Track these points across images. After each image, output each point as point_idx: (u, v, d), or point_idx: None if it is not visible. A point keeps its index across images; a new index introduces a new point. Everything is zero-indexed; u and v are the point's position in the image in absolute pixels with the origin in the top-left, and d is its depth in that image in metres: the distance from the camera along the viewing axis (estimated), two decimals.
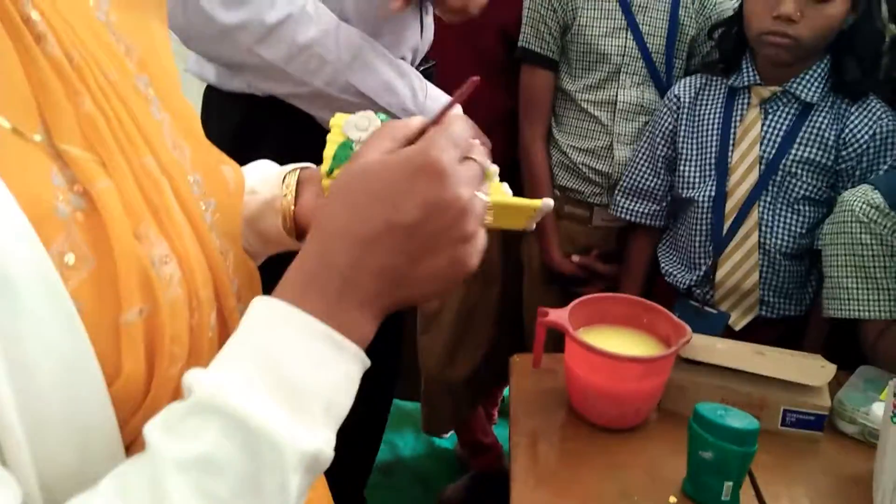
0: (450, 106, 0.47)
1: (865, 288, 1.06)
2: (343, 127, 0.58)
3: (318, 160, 0.60)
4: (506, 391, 2.01)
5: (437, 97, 1.09)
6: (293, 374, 0.39)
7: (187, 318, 0.42)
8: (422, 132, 0.46)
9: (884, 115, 1.16)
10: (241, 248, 0.54)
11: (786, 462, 0.93)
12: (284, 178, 0.64)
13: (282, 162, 0.70)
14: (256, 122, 1.02)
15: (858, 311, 1.07)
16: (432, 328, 1.60)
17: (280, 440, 0.37)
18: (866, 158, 1.16)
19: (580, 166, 1.44)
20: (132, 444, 0.40)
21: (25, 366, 0.34)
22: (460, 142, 0.43)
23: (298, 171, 0.65)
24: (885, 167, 1.14)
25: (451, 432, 2.04)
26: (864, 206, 1.04)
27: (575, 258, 1.49)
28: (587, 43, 1.37)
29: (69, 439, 0.37)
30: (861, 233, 1.05)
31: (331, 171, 0.57)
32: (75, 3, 0.45)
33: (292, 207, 0.63)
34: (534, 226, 0.58)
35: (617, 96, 1.38)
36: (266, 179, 0.65)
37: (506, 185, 0.57)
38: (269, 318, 0.40)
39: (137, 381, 0.39)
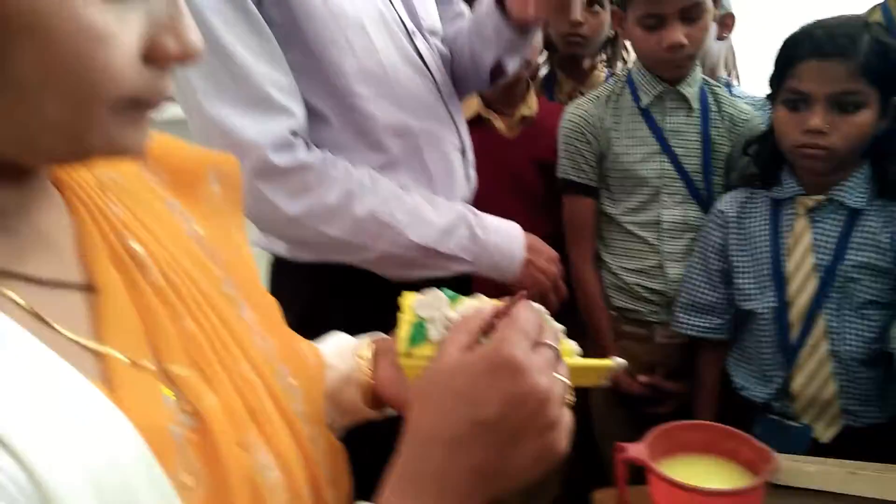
0: (516, 300, 0.50)
1: None
2: (415, 308, 0.61)
3: (388, 318, 0.62)
4: None
5: (495, 227, 1.12)
6: None
7: None
8: (492, 321, 0.48)
9: None
10: (325, 428, 0.57)
11: None
12: (360, 352, 0.67)
13: (353, 325, 0.74)
14: (328, 288, 1.07)
15: None
16: None
17: None
18: None
19: (634, 286, 1.45)
20: None
21: None
22: (530, 330, 0.46)
23: (372, 343, 0.68)
24: None
25: None
26: None
27: (642, 378, 1.48)
28: (624, 169, 1.43)
29: None
30: None
31: (407, 352, 0.59)
32: (168, 224, 0.51)
33: (371, 382, 0.66)
34: (607, 382, 0.60)
35: (660, 216, 1.42)
36: (341, 353, 0.68)
37: (574, 343, 0.59)
38: None
39: None
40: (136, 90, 0.38)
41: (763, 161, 1.27)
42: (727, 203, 1.32)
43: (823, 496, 0.96)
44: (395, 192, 1.04)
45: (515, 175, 1.59)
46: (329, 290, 1.07)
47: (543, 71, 1.85)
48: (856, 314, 1.17)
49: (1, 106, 0.35)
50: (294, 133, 0.95)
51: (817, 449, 1.20)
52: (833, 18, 1.15)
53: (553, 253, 1.20)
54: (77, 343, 0.39)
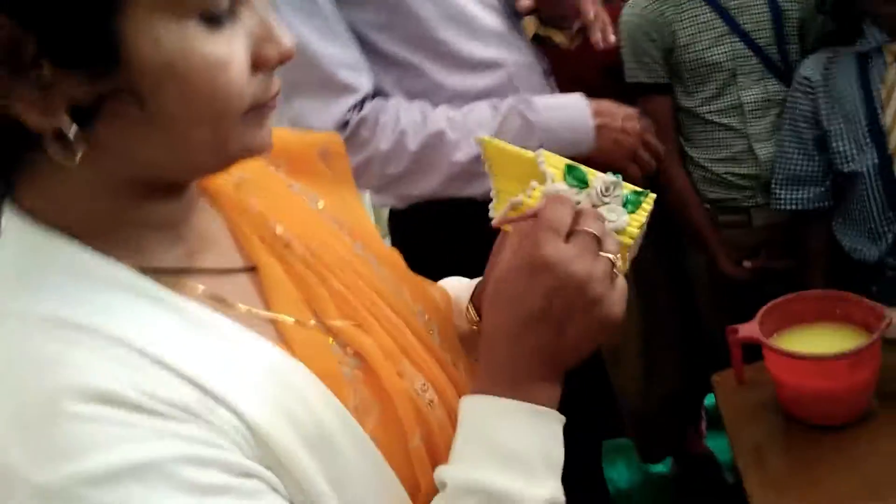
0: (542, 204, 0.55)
1: None
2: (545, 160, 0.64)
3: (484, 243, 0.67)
4: (707, 400, 1.96)
5: (548, 105, 1.15)
6: (514, 448, 0.48)
7: (451, 432, 0.51)
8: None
9: None
10: (462, 351, 0.64)
11: None
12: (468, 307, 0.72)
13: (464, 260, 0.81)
14: (436, 230, 1.15)
15: None
16: (620, 363, 1.62)
17: (522, 498, 0.46)
18: None
19: (725, 176, 1.43)
20: None
21: (354, 498, 0.46)
22: (559, 224, 0.50)
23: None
24: None
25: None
26: None
27: (747, 264, 1.47)
28: (695, 59, 1.40)
29: None
30: None
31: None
32: (297, 205, 0.60)
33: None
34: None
35: (741, 98, 1.38)
36: (457, 302, 0.74)
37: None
38: (481, 412, 0.49)
39: (433, 493, 0.48)
40: (254, 98, 0.44)
41: (841, 16, 1.22)
42: (810, 67, 1.28)
43: None
44: (447, 115, 1.08)
45: (587, 86, 1.58)
46: (437, 231, 1.14)
47: None
48: None
49: (158, 139, 0.42)
50: (354, 107, 1.04)
51: None
52: None
53: (629, 110, 1.19)
54: (253, 315, 0.48)
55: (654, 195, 0.65)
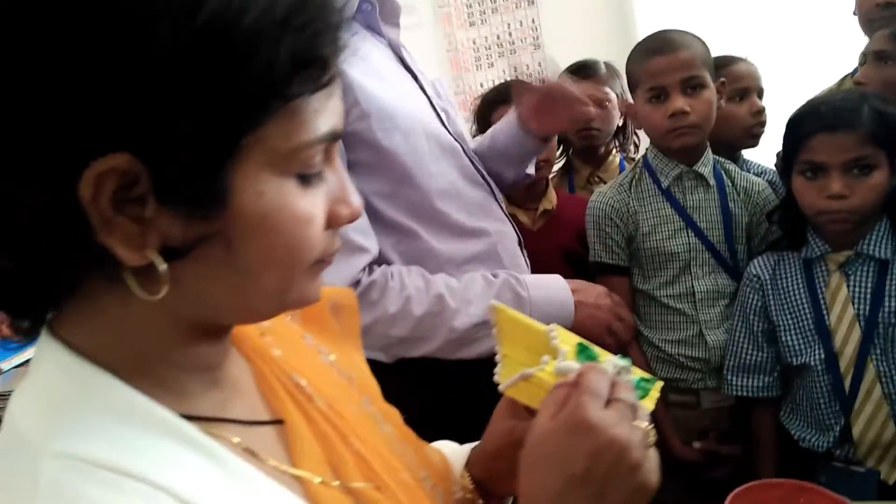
0: (580, 371, 0.57)
1: None
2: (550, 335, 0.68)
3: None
4: None
5: (536, 283, 1.23)
6: None
7: None
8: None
9: None
10: None
11: None
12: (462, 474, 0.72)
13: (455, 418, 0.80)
14: (426, 387, 1.13)
15: None
16: None
17: None
18: None
19: (676, 356, 1.52)
20: None
21: None
22: (600, 391, 0.53)
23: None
24: None
25: None
26: None
27: (696, 444, 1.52)
28: (654, 247, 1.52)
29: None
30: None
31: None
32: (311, 357, 0.59)
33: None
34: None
35: (693, 287, 1.51)
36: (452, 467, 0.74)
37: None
38: None
39: None
40: (322, 253, 0.47)
41: (788, 225, 1.39)
42: (759, 267, 1.42)
43: None
44: (447, 283, 1.15)
45: (542, 264, 1.68)
46: (424, 388, 1.14)
47: (560, 162, 2.00)
48: None
49: (231, 283, 0.43)
50: (364, 268, 1.10)
51: (886, 491, 1.26)
52: (832, 94, 1.29)
53: (600, 288, 1.30)
54: (281, 471, 0.48)
55: (661, 382, 0.70)
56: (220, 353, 0.50)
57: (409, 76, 1.29)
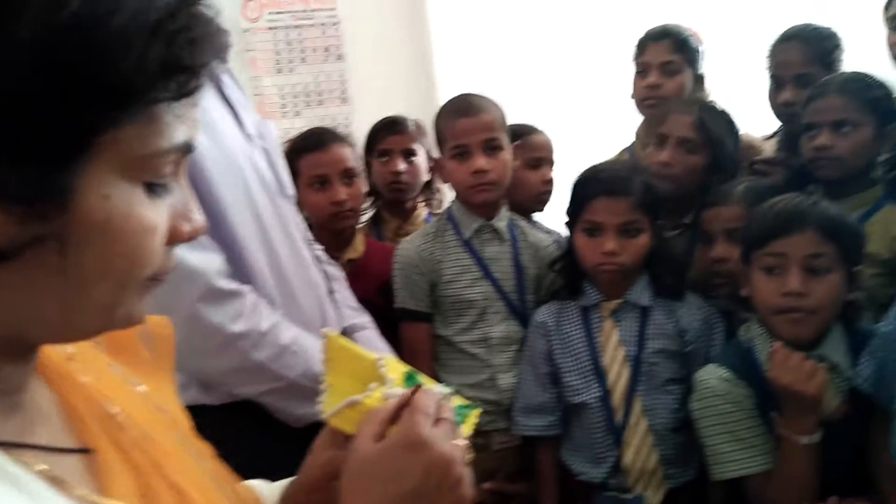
0: (414, 391, 0.62)
1: (740, 448, 1.28)
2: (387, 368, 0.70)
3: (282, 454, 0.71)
4: None
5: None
6: None
7: None
8: (396, 411, 0.60)
9: (703, 306, 1.51)
10: None
11: None
12: None
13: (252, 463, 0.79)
14: (240, 428, 1.09)
15: (739, 470, 1.28)
16: None
17: None
18: (704, 339, 1.48)
19: (470, 400, 1.59)
20: None
21: None
22: (430, 410, 0.58)
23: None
24: (717, 345, 1.46)
25: None
26: (718, 381, 1.31)
27: (486, 485, 1.59)
28: (454, 294, 1.61)
29: None
30: (722, 404, 1.30)
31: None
32: (120, 386, 0.56)
33: None
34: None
35: (488, 333, 1.61)
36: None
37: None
38: None
39: None
40: (158, 269, 0.46)
41: (568, 276, 1.55)
42: (544, 314, 1.56)
43: None
44: (292, 331, 1.14)
45: (364, 300, 1.70)
46: (240, 429, 1.09)
47: (369, 213, 2.05)
48: (661, 391, 1.46)
49: (58, 295, 0.41)
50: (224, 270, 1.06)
51: None
52: (611, 163, 1.48)
53: None
54: (90, 501, 0.44)
55: (479, 410, 0.76)
56: (24, 374, 0.46)
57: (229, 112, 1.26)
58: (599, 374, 1.48)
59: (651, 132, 1.92)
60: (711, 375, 1.33)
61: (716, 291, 1.53)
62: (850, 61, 1.80)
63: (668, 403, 1.45)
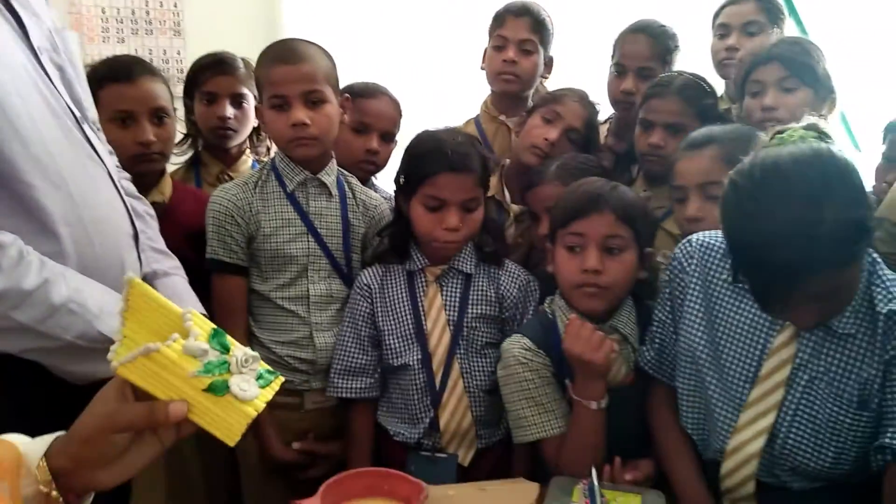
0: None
1: (538, 413, 1.34)
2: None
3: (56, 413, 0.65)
4: None
5: None
6: None
7: None
8: None
9: (521, 274, 1.54)
10: None
11: None
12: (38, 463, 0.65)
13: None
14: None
15: (537, 433, 1.33)
16: None
17: None
18: (520, 306, 1.51)
19: (285, 358, 1.53)
20: None
21: None
22: None
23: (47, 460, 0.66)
24: (530, 313, 1.49)
25: None
26: (521, 350, 1.35)
27: (296, 445, 1.54)
28: (274, 249, 1.52)
29: None
30: (524, 371, 1.34)
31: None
32: None
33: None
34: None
35: (308, 291, 1.54)
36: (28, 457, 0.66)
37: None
38: None
39: None
40: None
41: (396, 241, 1.51)
42: (369, 276, 1.52)
43: None
44: (86, 281, 1.00)
45: (172, 246, 1.55)
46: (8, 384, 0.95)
47: (188, 154, 1.89)
48: (479, 355, 1.48)
49: None
50: None
51: (463, 472, 1.45)
52: (452, 135, 1.47)
53: None
54: None
55: (283, 378, 0.75)
56: None
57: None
58: (421, 337, 1.47)
59: (503, 106, 1.96)
60: (515, 344, 1.36)
61: (541, 267, 1.56)
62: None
63: (485, 366, 1.47)
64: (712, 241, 1.24)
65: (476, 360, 1.48)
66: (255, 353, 0.68)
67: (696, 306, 1.23)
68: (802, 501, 1.14)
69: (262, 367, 0.70)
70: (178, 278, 1.31)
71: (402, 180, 1.49)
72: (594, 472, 1.12)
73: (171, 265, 1.32)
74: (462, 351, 1.47)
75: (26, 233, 0.97)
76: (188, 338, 0.66)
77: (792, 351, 1.12)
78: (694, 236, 1.27)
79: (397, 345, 1.49)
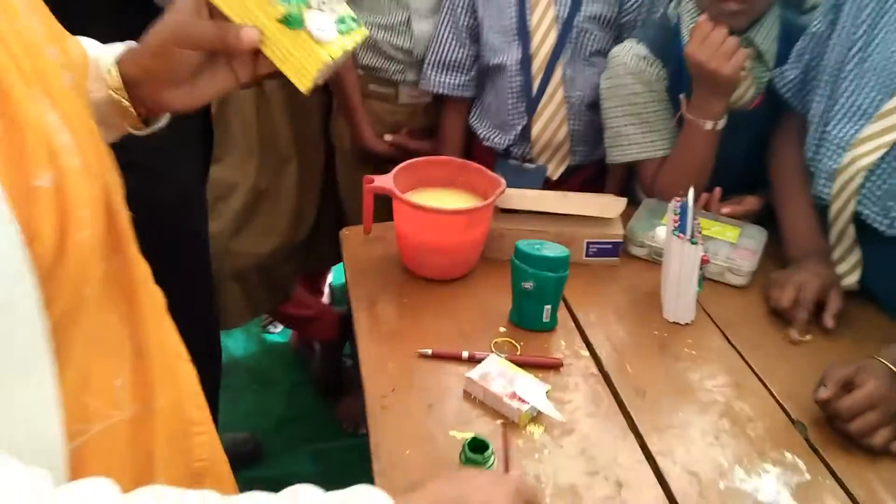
0: None
1: (642, 132, 1.18)
2: None
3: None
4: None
5: None
6: None
7: (87, 186, 0.45)
8: None
9: None
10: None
11: (592, 286, 1.06)
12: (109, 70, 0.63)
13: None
14: None
15: (638, 153, 1.20)
16: (220, 213, 1.49)
17: None
18: (644, 10, 1.27)
19: (381, 44, 1.43)
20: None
21: None
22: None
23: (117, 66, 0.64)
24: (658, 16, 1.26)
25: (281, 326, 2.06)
26: (633, 57, 1.15)
27: (388, 137, 1.51)
28: None
29: None
30: (633, 83, 1.16)
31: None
32: None
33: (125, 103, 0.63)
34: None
35: None
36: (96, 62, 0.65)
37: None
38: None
39: (52, 244, 0.42)
40: None
41: None
42: None
43: (540, 218, 1.09)
44: None
45: None
46: None
47: None
48: (586, 62, 1.30)
49: None
50: None
51: (550, 186, 1.36)
52: None
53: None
54: None
55: (366, 32, 0.67)
56: None
57: None
58: (524, 34, 1.29)
59: None
60: (627, 52, 1.17)
61: None
62: None
63: (589, 77, 1.30)
64: None
65: (582, 67, 1.30)
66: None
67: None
68: None
69: (347, 12, 0.64)
70: None
71: None
72: (692, 191, 0.98)
73: None
74: (568, 56, 1.29)
75: None
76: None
77: None
78: None
79: (496, 41, 1.33)
